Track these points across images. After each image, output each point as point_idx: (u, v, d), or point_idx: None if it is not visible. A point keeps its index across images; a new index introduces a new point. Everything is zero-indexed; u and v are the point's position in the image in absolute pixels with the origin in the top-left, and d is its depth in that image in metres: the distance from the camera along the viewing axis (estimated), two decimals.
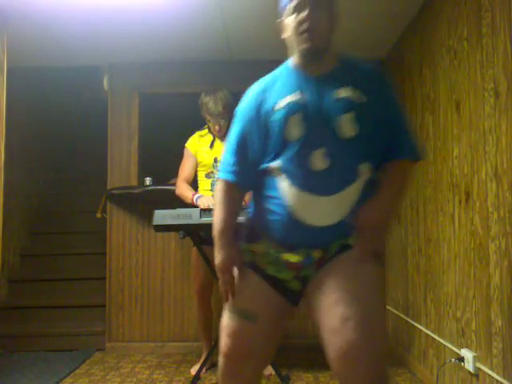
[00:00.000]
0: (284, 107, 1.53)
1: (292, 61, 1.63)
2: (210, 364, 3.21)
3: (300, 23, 1.50)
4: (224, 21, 3.13)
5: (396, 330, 3.49)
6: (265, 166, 1.57)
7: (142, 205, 3.76)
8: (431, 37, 2.77)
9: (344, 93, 1.51)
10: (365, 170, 1.52)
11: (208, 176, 3.17)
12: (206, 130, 3.22)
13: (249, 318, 1.56)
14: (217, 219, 1.64)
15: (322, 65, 1.57)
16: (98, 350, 3.71)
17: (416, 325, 3.02)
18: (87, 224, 4.70)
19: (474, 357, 2.19)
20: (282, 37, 1.61)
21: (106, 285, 3.76)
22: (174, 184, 3.53)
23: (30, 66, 3.96)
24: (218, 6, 2.92)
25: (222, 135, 3.13)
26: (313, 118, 1.51)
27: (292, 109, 1.52)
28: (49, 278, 4.23)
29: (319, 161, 1.49)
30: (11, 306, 4.03)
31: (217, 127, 3.12)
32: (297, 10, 1.51)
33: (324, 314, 1.47)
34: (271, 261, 1.58)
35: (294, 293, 1.61)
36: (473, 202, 2.24)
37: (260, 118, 1.59)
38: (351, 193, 1.50)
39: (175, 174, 3.74)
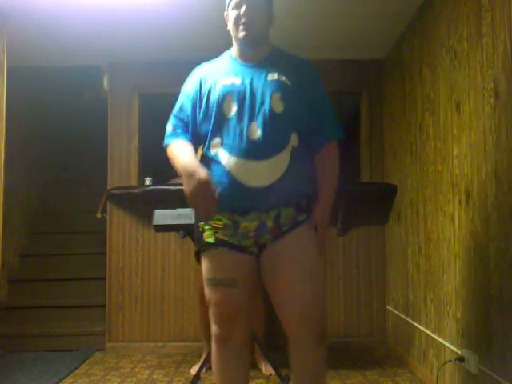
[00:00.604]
0: (220, 88, 1.81)
1: (232, 50, 1.94)
2: (210, 364, 3.21)
3: (238, 17, 1.83)
4: (224, 20, 3.13)
5: (396, 330, 3.49)
6: (209, 143, 1.81)
7: (141, 205, 3.76)
8: (431, 37, 2.77)
9: (273, 76, 1.81)
10: (292, 140, 1.79)
11: None
12: None
13: (229, 284, 1.79)
14: (178, 158, 1.82)
15: (256, 54, 1.86)
16: (98, 349, 3.71)
17: (416, 325, 3.02)
18: (87, 224, 4.69)
19: (474, 357, 2.19)
20: (227, 28, 1.92)
21: (106, 285, 3.76)
22: (173, 184, 3.53)
23: (30, 66, 3.97)
24: (218, 5, 2.92)
25: None
26: (246, 96, 1.78)
27: (227, 90, 1.80)
28: (49, 278, 4.24)
29: (254, 131, 1.75)
30: (11, 306, 4.03)
31: None
32: (236, 6, 1.84)
33: (281, 283, 1.77)
34: (232, 233, 1.78)
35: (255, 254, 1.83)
36: (473, 201, 2.24)
37: (200, 96, 1.86)
38: (282, 158, 1.76)
39: (175, 173, 3.74)
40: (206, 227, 1.83)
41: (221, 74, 1.85)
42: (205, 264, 1.85)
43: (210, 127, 1.81)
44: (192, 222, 2.69)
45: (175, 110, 1.95)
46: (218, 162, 1.77)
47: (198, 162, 1.77)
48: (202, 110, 1.84)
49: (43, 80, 4.74)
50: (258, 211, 1.76)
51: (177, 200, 3.15)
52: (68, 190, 5.41)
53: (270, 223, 1.77)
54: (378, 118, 3.84)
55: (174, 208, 2.72)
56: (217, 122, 1.79)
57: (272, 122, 1.75)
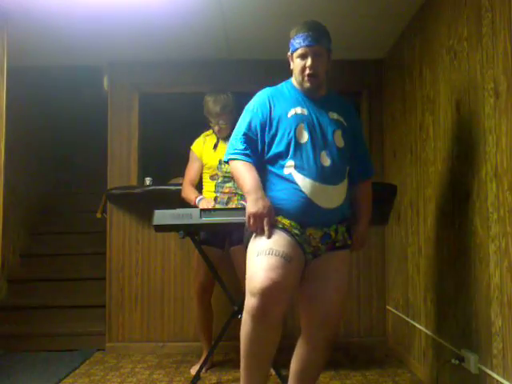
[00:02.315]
0: (293, 116, 2.04)
1: (294, 83, 2.14)
2: (210, 364, 3.21)
3: (303, 68, 2.05)
4: (224, 20, 3.13)
5: (396, 330, 3.49)
6: (281, 164, 2.02)
7: (142, 205, 3.75)
8: (431, 37, 2.77)
9: (333, 115, 2.09)
10: (347, 172, 2.11)
11: (212, 178, 3.18)
12: (211, 131, 3.24)
13: (285, 258, 1.90)
14: (248, 180, 2.00)
15: (318, 93, 2.12)
16: (98, 349, 3.71)
17: (416, 325, 3.02)
18: (87, 224, 4.69)
19: (474, 357, 2.19)
20: (291, 67, 2.13)
21: (106, 285, 3.76)
22: (173, 184, 3.54)
23: (30, 66, 3.96)
24: (218, 5, 2.92)
25: (224, 137, 3.15)
26: (315, 127, 2.04)
27: (300, 118, 2.04)
28: (49, 278, 4.23)
29: (325, 159, 2.01)
30: (11, 305, 4.02)
31: (216, 128, 3.15)
32: (301, 57, 2.05)
33: (320, 289, 2.03)
34: (298, 233, 1.98)
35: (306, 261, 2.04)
36: (473, 202, 2.24)
37: (270, 118, 2.06)
38: (344, 185, 2.07)
39: (175, 173, 3.75)
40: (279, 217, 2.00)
41: (290, 103, 2.08)
42: (263, 240, 1.95)
43: (283, 149, 2.02)
44: (192, 222, 2.71)
45: (244, 127, 2.09)
46: (293, 182, 1.98)
47: (262, 190, 2.00)
48: (271, 131, 2.05)
49: (43, 80, 4.74)
50: (322, 225, 2.01)
51: (177, 200, 3.15)
52: (68, 190, 5.41)
53: (333, 234, 2.03)
54: (378, 118, 3.84)
55: (174, 208, 2.72)
56: (290, 146, 2.00)
57: (338, 154, 2.04)
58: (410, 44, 3.17)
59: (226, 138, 3.19)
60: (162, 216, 2.69)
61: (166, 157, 5.07)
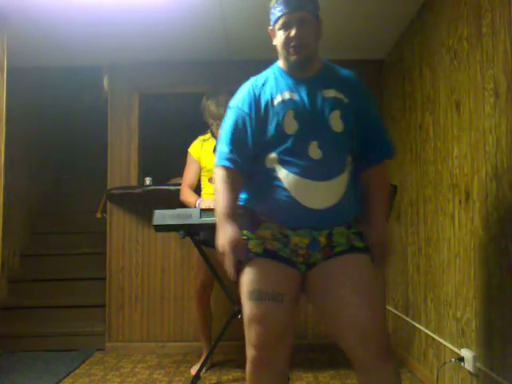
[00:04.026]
0: (279, 104, 1.73)
1: (281, 64, 1.82)
2: (210, 364, 3.21)
3: (288, 39, 1.72)
4: (224, 21, 3.13)
5: (396, 330, 3.49)
6: (263, 156, 1.73)
7: (142, 205, 3.76)
8: (431, 37, 2.77)
9: (330, 93, 1.74)
10: (349, 162, 1.75)
11: (211, 181, 3.17)
12: (209, 135, 3.22)
13: (275, 299, 1.64)
14: (221, 203, 1.72)
15: (309, 69, 1.78)
16: (98, 349, 3.71)
17: (416, 325, 3.02)
18: (87, 224, 4.69)
19: (474, 357, 2.19)
20: (273, 43, 1.81)
21: (106, 285, 3.76)
22: (173, 184, 3.54)
23: (30, 66, 3.96)
24: (218, 6, 2.92)
25: None
26: (305, 114, 1.72)
27: (286, 106, 1.72)
28: (49, 278, 4.23)
29: (314, 151, 1.68)
30: (11, 306, 4.02)
31: (219, 130, 3.12)
32: (284, 27, 1.72)
33: (339, 305, 1.66)
34: (281, 246, 1.71)
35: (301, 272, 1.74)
36: (473, 202, 2.24)
37: (256, 112, 1.76)
38: (342, 180, 1.71)
39: (175, 173, 3.74)
40: (252, 235, 1.73)
41: (276, 89, 1.77)
42: (248, 275, 1.70)
43: (268, 142, 1.73)
44: (192, 222, 2.71)
45: (229, 128, 1.81)
46: (276, 178, 1.71)
47: (233, 216, 1.70)
48: (258, 125, 1.76)
49: (43, 80, 4.74)
50: (310, 229, 1.70)
51: (177, 200, 3.15)
52: (68, 190, 5.41)
53: (322, 240, 1.70)
54: None
55: (174, 208, 2.72)
56: (275, 138, 1.72)
57: (333, 142, 1.71)
58: (410, 44, 3.18)
59: None
60: (161, 216, 2.69)
61: (166, 157, 5.06)
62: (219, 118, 3.08)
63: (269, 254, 1.70)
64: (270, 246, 1.70)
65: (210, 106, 3.08)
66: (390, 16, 3.07)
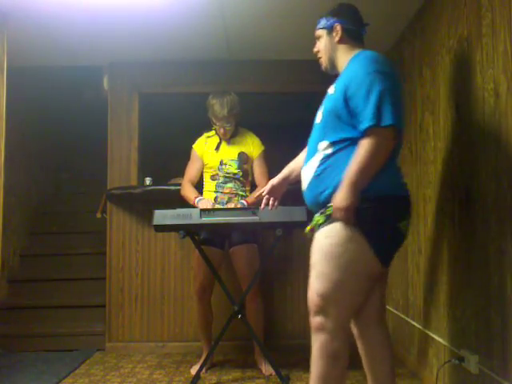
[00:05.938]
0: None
1: None
2: (210, 364, 3.21)
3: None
4: (224, 20, 3.13)
5: (396, 330, 3.48)
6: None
7: (141, 205, 3.76)
8: (431, 37, 2.77)
9: (331, 90, 2.00)
10: (321, 147, 1.96)
11: (213, 178, 3.17)
12: (214, 132, 3.23)
13: None
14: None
15: (333, 72, 2.12)
16: (98, 350, 3.71)
17: (416, 325, 3.02)
18: (87, 224, 4.70)
19: (474, 357, 2.19)
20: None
21: (106, 285, 3.76)
22: (173, 184, 3.54)
23: (30, 66, 3.96)
24: (218, 5, 2.92)
25: (228, 138, 3.15)
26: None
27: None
28: (49, 278, 4.23)
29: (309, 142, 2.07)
30: (11, 306, 4.03)
31: (222, 130, 3.13)
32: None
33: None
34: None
35: None
36: (473, 201, 2.24)
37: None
38: (312, 164, 1.98)
39: (175, 173, 3.74)
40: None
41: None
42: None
43: None
44: (192, 222, 2.71)
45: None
46: None
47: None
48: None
49: (43, 80, 4.74)
50: (314, 211, 2.03)
51: (177, 200, 3.15)
52: (68, 190, 5.41)
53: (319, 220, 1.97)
54: None
55: (174, 208, 2.72)
56: None
57: (313, 133, 2.05)
58: (410, 44, 3.17)
59: (229, 140, 3.19)
60: (161, 216, 2.69)
61: (166, 157, 5.07)
62: (221, 118, 3.08)
63: None
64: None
65: (215, 105, 3.08)
66: (389, 16, 3.07)
